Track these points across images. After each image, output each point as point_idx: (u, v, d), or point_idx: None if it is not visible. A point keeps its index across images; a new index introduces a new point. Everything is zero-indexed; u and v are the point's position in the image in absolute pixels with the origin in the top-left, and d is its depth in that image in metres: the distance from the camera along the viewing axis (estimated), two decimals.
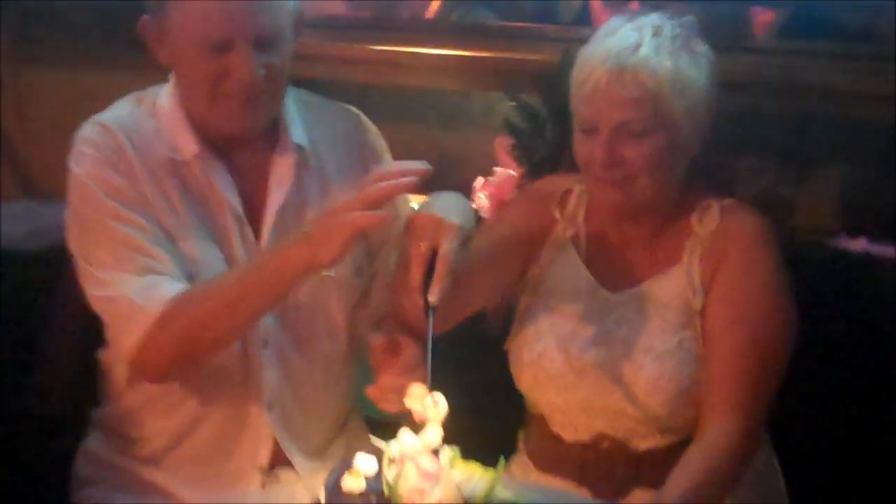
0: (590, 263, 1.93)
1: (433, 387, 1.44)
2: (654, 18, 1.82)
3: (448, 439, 1.82)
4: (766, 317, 1.80)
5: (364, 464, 1.34)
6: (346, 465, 1.37)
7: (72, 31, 2.90)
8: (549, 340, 1.89)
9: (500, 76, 2.45)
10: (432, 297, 1.55)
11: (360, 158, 2.05)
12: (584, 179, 1.90)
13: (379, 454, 1.37)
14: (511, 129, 2.30)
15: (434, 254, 1.59)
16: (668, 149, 1.79)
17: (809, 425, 2.13)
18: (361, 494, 1.32)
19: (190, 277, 1.87)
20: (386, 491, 1.30)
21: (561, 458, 1.93)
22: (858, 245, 2.16)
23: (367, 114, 2.12)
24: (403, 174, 1.64)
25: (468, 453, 1.61)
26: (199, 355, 1.85)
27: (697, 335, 1.82)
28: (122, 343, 1.84)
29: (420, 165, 1.64)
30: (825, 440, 2.15)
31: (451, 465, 1.34)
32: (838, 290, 2.14)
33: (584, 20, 2.61)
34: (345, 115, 2.11)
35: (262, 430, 1.93)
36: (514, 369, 1.95)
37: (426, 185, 2.24)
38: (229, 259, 1.93)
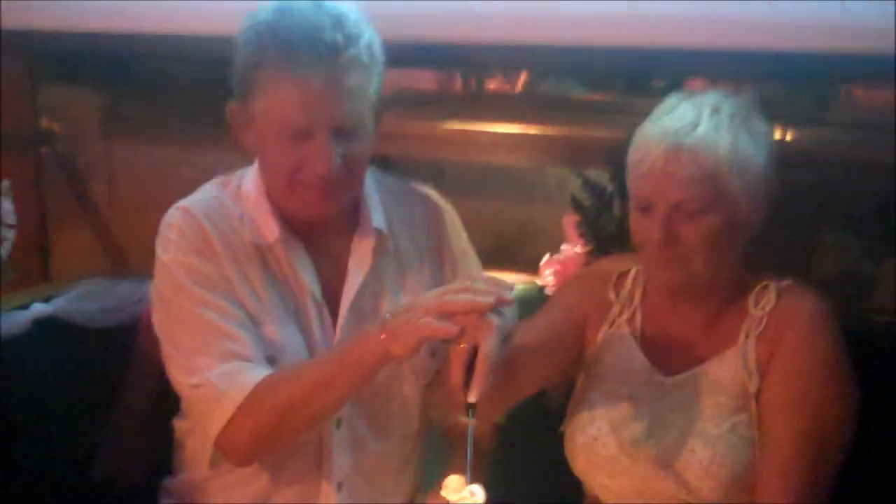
0: (645, 347, 1.93)
1: (473, 479, 1.45)
2: (712, 97, 1.82)
3: None
4: (824, 401, 1.77)
5: None
6: None
7: (161, 108, 2.99)
8: (603, 424, 1.89)
9: (570, 152, 2.47)
10: (471, 398, 1.56)
11: (436, 241, 2.10)
12: (641, 259, 1.90)
13: None
14: (577, 206, 2.30)
15: (475, 352, 1.59)
16: (725, 228, 1.78)
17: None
18: None
19: (272, 361, 1.90)
20: None
21: None
22: None
23: (440, 188, 2.17)
24: (487, 293, 1.64)
25: None
26: (282, 440, 1.89)
27: (752, 419, 1.80)
28: (207, 428, 1.87)
29: (507, 294, 1.64)
30: None
31: None
32: None
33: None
34: (422, 198, 2.14)
35: None
36: (569, 452, 1.95)
37: (495, 262, 2.32)
38: (309, 342, 1.96)
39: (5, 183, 2.28)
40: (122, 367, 2.28)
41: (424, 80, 2.86)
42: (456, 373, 1.59)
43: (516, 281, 2.37)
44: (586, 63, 2.46)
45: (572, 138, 2.46)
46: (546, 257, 2.33)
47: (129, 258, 2.94)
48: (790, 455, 1.75)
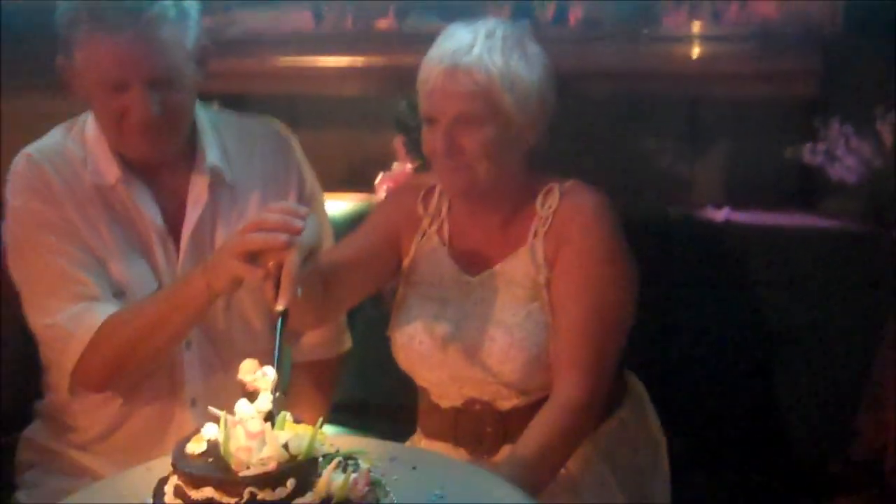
0: (452, 253, 2.07)
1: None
2: (489, 23, 1.96)
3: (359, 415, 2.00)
4: (606, 286, 1.94)
5: (207, 430, 1.51)
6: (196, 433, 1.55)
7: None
8: (418, 324, 2.05)
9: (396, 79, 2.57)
10: (279, 307, 1.68)
11: (275, 168, 2.20)
12: (433, 169, 2.03)
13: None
14: (403, 127, 2.44)
15: (281, 268, 1.71)
16: (501, 137, 1.92)
17: (687, 377, 2.33)
18: (202, 455, 1.46)
19: (121, 295, 2.03)
20: (221, 451, 1.48)
21: (440, 424, 2.09)
22: (721, 214, 2.31)
23: (286, 121, 2.27)
24: (278, 224, 1.74)
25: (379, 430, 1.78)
26: (130, 370, 2.02)
27: (545, 306, 1.96)
28: (62, 363, 2.01)
29: (297, 222, 1.74)
30: (701, 390, 2.32)
31: (282, 427, 1.51)
32: (699, 252, 2.32)
33: None
34: (262, 130, 2.24)
35: (186, 424, 2.07)
36: (393, 351, 2.11)
37: (336, 184, 2.47)
38: (157, 275, 2.08)
39: None
40: None
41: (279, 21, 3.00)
42: (266, 288, 1.72)
43: (357, 199, 2.56)
44: None
45: (397, 66, 2.57)
46: (380, 176, 2.49)
47: None
48: (579, 333, 1.92)
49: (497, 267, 2.03)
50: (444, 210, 2.11)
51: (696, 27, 2.62)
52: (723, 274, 2.30)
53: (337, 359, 2.34)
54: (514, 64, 1.91)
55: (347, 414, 2.42)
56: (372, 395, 2.48)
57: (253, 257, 1.75)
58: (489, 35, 1.92)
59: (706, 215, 2.33)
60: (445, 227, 2.10)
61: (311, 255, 1.77)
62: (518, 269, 2.00)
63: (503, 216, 2.04)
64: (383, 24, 2.90)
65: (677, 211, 2.38)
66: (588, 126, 2.53)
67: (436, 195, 2.12)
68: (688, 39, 2.60)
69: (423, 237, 2.11)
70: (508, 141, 1.94)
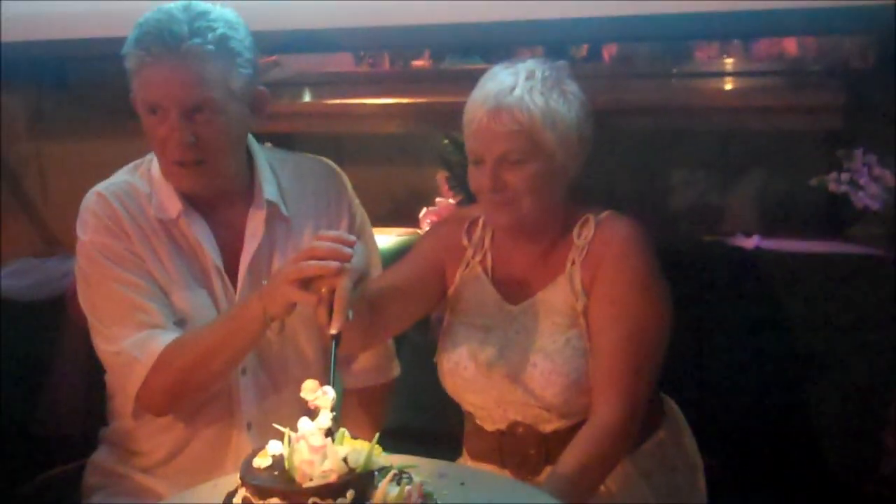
0: (495, 282, 2.16)
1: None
2: (528, 64, 2.05)
3: (407, 438, 2.11)
4: (641, 312, 2.01)
5: (272, 446, 1.62)
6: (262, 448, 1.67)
7: (84, 107, 3.22)
8: (463, 350, 2.13)
9: (438, 117, 2.70)
10: (332, 330, 1.78)
11: (327, 203, 2.29)
12: (479, 206, 2.13)
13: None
14: (445, 163, 2.54)
15: (333, 294, 1.80)
16: (544, 173, 2.01)
17: (721, 399, 2.41)
18: (268, 468, 1.56)
19: (182, 324, 2.12)
20: (286, 464, 1.60)
21: (485, 446, 2.17)
22: (752, 242, 2.41)
23: (336, 160, 2.37)
24: (330, 253, 1.84)
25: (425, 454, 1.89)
26: (191, 393, 2.12)
27: (583, 332, 2.04)
28: (126, 388, 2.11)
29: (346, 250, 1.84)
30: (734, 412, 2.41)
31: (340, 442, 1.60)
32: (734, 279, 2.41)
33: None
34: (315, 167, 2.33)
35: (243, 446, 2.14)
36: (440, 377, 2.19)
37: (381, 219, 2.60)
38: (216, 305, 2.17)
39: None
40: (52, 334, 2.50)
41: (322, 63, 3.18)
42: (320, 312, 1.82)
43: (401, 233, 2.68)
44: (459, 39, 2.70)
45: (440, 104, 2.70)
46: (423, 210, 2.62)
47: (63, 242, 3.12)
48: (615, 358, 2.00)
49: (537, 296, 2.11)
50: (487, 241, 2.19)
51: (727, 63, 2.75)
52: (753, 299, 2.37)
53: (386, 385, 2.41)
54: (554, 103, 2.00)
55: (397, 438, 2.52)
56: (418, 420, 2.56)
57: (306, 284, 1.85)
58: (529, 76, 2.02)
59: (737, 243, 2.42)
60: (488, 257, 2.19)
61: (360, 280, 1.86)
62: (557, 298, 2.08)
63: (543, 246, 2.13)
64: (419, 64, 3.07)
65: (710, 239, 2.46)
66: (624, 159, 2.65)
67: (479, 227, 2.21)
68: (719, 75, 2.73)
69: (466, 267, 2.19)
70: (550, 176, 2.03)
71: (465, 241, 2.21)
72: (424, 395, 2.34)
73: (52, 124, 3.33)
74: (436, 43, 2.87)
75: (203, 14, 2.07)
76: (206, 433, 2.22)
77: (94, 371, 2.24)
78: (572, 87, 2.06)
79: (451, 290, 2.21)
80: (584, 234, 2.09)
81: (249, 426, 2.21)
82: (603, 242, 2.07)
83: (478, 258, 2.20)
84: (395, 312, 2.15)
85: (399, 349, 2.44)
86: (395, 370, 2.43)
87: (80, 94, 3.21)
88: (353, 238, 1.89)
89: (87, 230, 2.17)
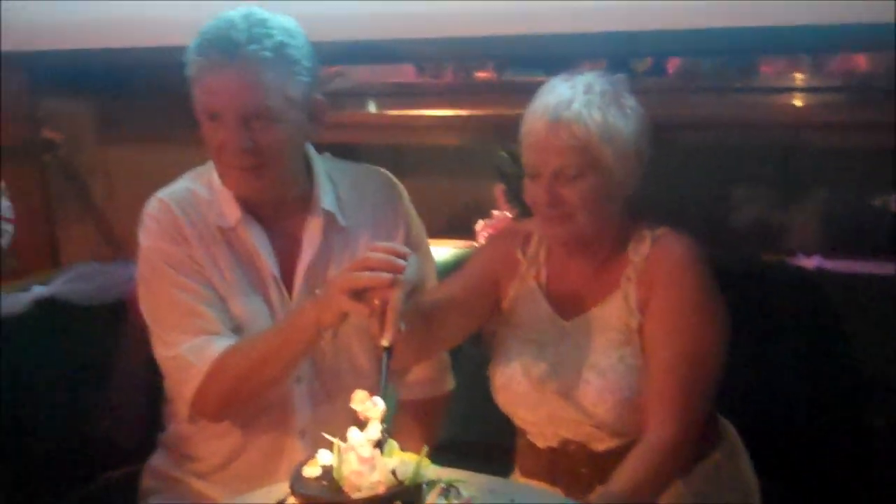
0: (549, 297, 2.15)
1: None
2: (587, 77, 2.04)
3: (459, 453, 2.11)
4: (696, 331, 1.99)
5: (321, 456, 1.63)
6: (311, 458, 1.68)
7: (149, 114, 3.26)
8: (516, 366, 2.12)
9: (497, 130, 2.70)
10: (384, 342, 1.78)
11: (384, 213, 2.30)
12: (535, 218, 2.12)
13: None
14: (503, 176, 2.56)
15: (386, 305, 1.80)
16: (600, 189, 2.00)
17: (778, 421, 2.37)
18: (317, 479, 1.58)
19: (239, 331, 2.15)
20: (335, 474, 1.61)
21: (537, 464, 2.16)
22: (812, 262, 2.37)
23: (397, 171, 2.39)
24: (383, 264, 1.85)
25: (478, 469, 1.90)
26: (245, 399, 2.14)
27: (637, 350, 2.02)
28: (182, 393, 2.14)
29: (399, 262, 1.84)
30: (794, 435, 2.37)
31: (389, 454, 1.59)
32: (794, 299, 2.38)
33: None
34: (373, 178, 2.35)
35: (296, 454, 2.15)
36: (493, 391, 2.18)
37: (439, 230, 2.61)
38: (272, 312, 2.19)
39: (3, 183, 2.56)
40: (115, 338, 2.54)
41: (385, 74, 3.20)
42: (372, 324, 1.82)
43: (458, 245, 2.68)
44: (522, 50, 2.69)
45: (500, 117, 2.69)
46: (480, 223, 2.62)
47: (127, 247, 3.20)
48: (669, 376, 1.97)
49: (591, 311, 2.10)
50: (542, 255, 2.19)
51: (791, 78, 2.72)
52: (814, 320, 2.33)
53: (441, 398, 2.42)
54: (612, 117, 1.99)
55: (449, 452, 2.52)
56: (472, 434, 2.55)
57: (359, 294, 1.85)
58: (588, 90, 2.01)
59: (798, 263, 2.38)
60: (543, 272, 2.18)
61: (413, 292, 1.86)
62: (611, 314, 2.07)
63: (598, 261, 2.11)
64: (483, 76, 3.07)
65: (770, 258, 2.43)
66: (686, 174, 2.64)
67: (534, 241, 2.20)
68: (782, 90, 2.70)
69: (521, 281, 2.19)
70: (606, 191, 2.02)
71: (519, 256, 2.21)
72: (479, 408, 2.33)
73: (118, 131, 3.40)
74: (498, 55, 2.86)
75: (262, 21, 2.09)
76: (261, 440, 2.25)
77: (153, 375, 2.27)
78: (630, 101, 2.05)
79: (505, 304, 2.20)
80: (641, 250, 2.08)
81: (303, 434, 2.22)
82: (659, 259, 2.05)
83: (532, 272, 2.19)
84: (449, 325, 2.15)
85: (454, 362, 2.44)
86: (450, 383, 2.44)
87: (146, 101, 3.25)
88: (406, 250, 1.90)
89: (148, 236, 2.20)
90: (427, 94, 3.13)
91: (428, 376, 2.38)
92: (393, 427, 2.32)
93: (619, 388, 2.03)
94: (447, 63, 3.02)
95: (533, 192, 2.05)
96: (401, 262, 1.85)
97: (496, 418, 2.25)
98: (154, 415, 2.40)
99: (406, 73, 3.24)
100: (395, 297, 1.81)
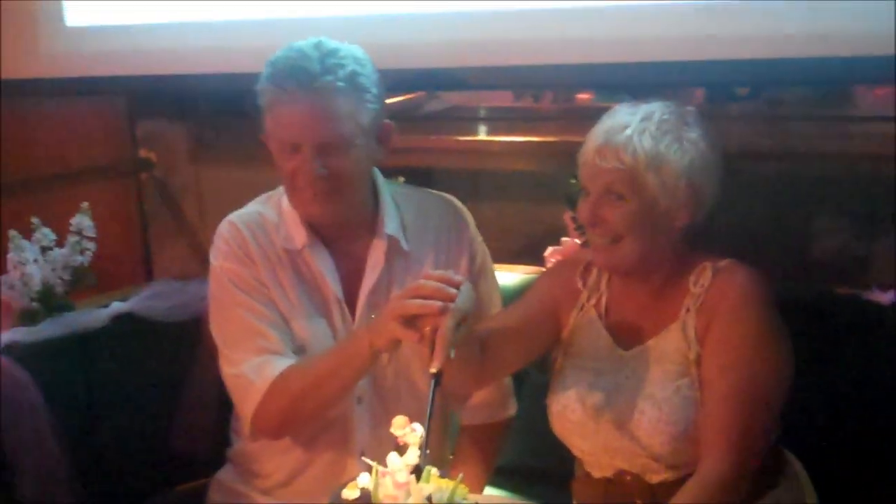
0: (608, 326, 2.13)
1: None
2: (652, 106, 2.02)
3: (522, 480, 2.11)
4: (755, 365, 1.95)
5: (361, 479, 1.67)
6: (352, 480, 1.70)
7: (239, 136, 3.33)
8: (572, 393, 2.10)
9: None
10: (433, 369, 1.81)
11: (448, 240, 2.33)
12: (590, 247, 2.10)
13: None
14: (570, 203, 2.50)
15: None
16: (645, 215, 1.98)
17: (852, 462, 2.29)
18: (355, 501, 1.62)
19: (301, 351, 2.20)
20: (372, 499, 1.64)
21: (593, 494, 2.14)
22: (888, 297, 2.28)
23: (461, 195, 2.42)
24: (434, 292, 1.90)
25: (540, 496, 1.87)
26: (302, 418, 2.19)
27: (694, 382, 1.99)
28: (243, 410, 2.20)
29: (450, 290, 1.88)
30: (865, 474, 2.29)
31: (427, 480, 1.62)
32: (867, 335, 2.31)
33: None
34: (438, 204, 2.38)
35: (355, 473, 2.05)
36: (550, 419, 2.17)
37: (509, 255, 2.63)
38: (334, 334, 2.24)
39: (84, 204, 2.68)
40: (190, 355, 2.61)
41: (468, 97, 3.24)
42: (422, 350, 1.85)
43: (527, 271, 2.69)
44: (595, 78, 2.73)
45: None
46: (549, 249, 2.62)
47: None
48: (726, 409, 1.93)
49: (649, 342, 2.07)
50: (603, 284, 2.17)
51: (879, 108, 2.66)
52: (887, 356, 2.26)
53: (502, 423, 2.42)
54: (665, 147, 1.98)
55: (511, 478, 2.53)
56: (536, 461, 2.53)
57: (411, 321, 1.89)
58: (646, 118, 2.00)
59: (872, 297, 2.32)
60: (603, 300, 2.17)
61: (464, 320, 1.88)
62: (669, 345, 2.04)
63: (656, 292, 2.09)
64: (583, 99, 3.05)
65: (844, 292, 2.36)
66: (764, 204, 2.62)
67: (595, 270, 2.19)
68: (872, 119, 2.64)
69: (581, 310, 2.17)
70: (653, 219, 2.00)
71: (579, 284, 2.20)
72: (544, 435, 2.29)
73: (211, 152, 3.51)
74: (593, 83, 2.88)
75: (333, 52, 2.14)
76: (323, 459, 2.29)
77: (223, 392, 2.32)
78: (693, 133, 2.02)
79: (565, 333, 2.19)
80: (701, 282, 2.05)
81: (363, 454, 2.22)
82: (720, 291, 2.02)
83: (592, 301, 2.18)
84: (508, 353, 2.16)
85: (521, 388, 2.44)
86: (512, 408, 2.44)
87: (238, 124, 3.34)
88: (460, 279, 1.92)
89: (218, 256, 2.27)
90: (515, 119, 3.14)
91: (490, 400, 2.39)
92: (453, 450, 2.37)
93: (675, 420, 2.00)
94: (544, 90, 3.05)
95: (581, 210, 2.08)
96: (452, 290, 1.88)
97: (560, 446, 2.23)
98: (224, 431, 2.46)
99: (502, 98, 3.25)
100: (446, 324, 1.83)
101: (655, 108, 2.03)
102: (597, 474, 2.14)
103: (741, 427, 1.94)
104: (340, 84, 2.11)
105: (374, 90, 2.17)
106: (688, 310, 2.04)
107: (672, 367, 2.03)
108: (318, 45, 2.16)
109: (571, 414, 2.11)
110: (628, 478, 2.09)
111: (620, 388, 2.07)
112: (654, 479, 2.07)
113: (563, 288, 2.21)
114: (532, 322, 2.18)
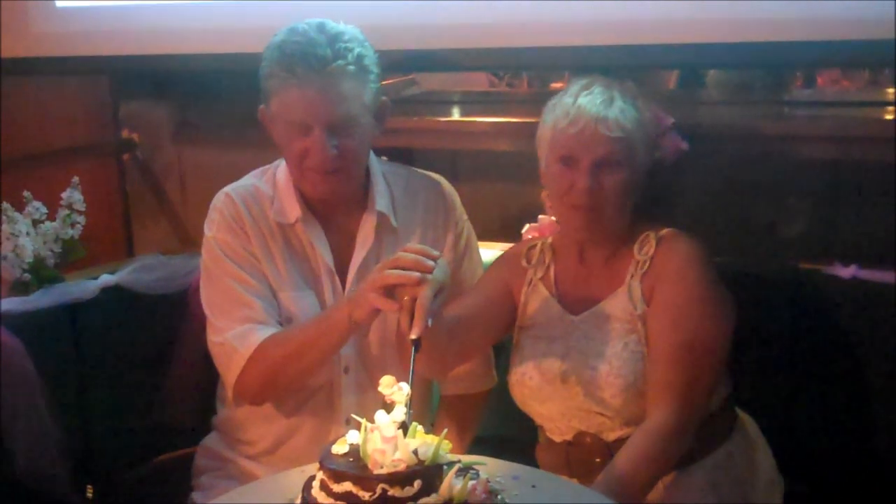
0: (559, 296, 2.34)
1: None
2: (607, 80, 2.24)
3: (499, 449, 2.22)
4: (698, 322, 2.16)
5: (351, 435, 1.77)
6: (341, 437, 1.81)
7: (221, 116, 3.51)
8: (529, 363, 2.32)
9: None
10: (413, 335, 1.97)
11: (435, 218, 2.50)
12: (557, 208, 2.30)
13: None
14: None
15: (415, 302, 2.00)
16: (630, 182, 2.21)
17: (814, 429, 2.45)
18: (344, 455, 1.72)
19: (288, 322, 2.36)
20: (360, 452, 1.73)
21: (555, 458, 2.34)
22: (848, 272, 2.44)
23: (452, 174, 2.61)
24: (413, 264, 2.02)
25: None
26: (283, 385, 2.35)
27: (641, 338, 2.20)
28: (226, 377, 2.38)
29: (428, 262, 2.02)
30: (828, 441, 2.45)
31: (412, 435, 1.73)
32: (828, 307, 2.46)
33: None
34: (426, 182, 2.54)
35: None
36: (510, 389, 2.38)
37: (487, 232, 2.72)
38: (323, 307, 2.38)
39: (75, 178, 2.76)
40: (174, 327, 2.75)
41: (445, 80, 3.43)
42: (402, 319, 2.03)
43: (504, 248, 2.80)
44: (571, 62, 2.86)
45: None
46: (526, 226, 2.72)
47: (195, 243, 3.40)
48: (671, 364, 2.14)
49: (598, 306, 2.28)
50: (548, 258, 2.38)
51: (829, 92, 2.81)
52: (848, 329, 2.42)
53: (481, 394, 2.58)
54: (642, 118, 2.22)
55: (489, 448, 2.62)
56: (509, 431, 2.66)
57: (390, 292, 2.04)
58: (622, 93, 2.21)
59: (833, 272, 2.45)
60: (551, 273, 2.37)
61: (441, 290, 2.05)
62: (617, 307, 2.26)
63: (602, 260, 2.30)
64: (558, 86, 3.18)
65: (806, 267, 2.52)
66: (730, 183, 2.79)
67: (537, 249, 2.41)
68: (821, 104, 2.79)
69: (530, 285, 2.38)
70: (633, 186, 2.23)
71: (524, 263, 2.41)
72: (508, 405, 2.45)
73: (193, 132, 3.61)
74: (572, 65, 2.98)
75: (339, 35, 2.29)
76: (308, 426, 2.44)
77: (209, 362, 2.44)
78: (643, 105, 2.26)
79: (519, 310, 2.39)
80: (646, 249, 2.26)
81: (348, 421, 2.37)
82: (664, 256, 2.23)
83: (539, 275, 2.38)
84: (472, 337, 2.36)
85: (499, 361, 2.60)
86: (492, 381, 2.60)
87: (221, 105, 3.45)
88: (436, 252, 2.10)
89: (212, 227, 2.42)
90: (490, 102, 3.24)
91: (471, 373, 2.55)
92: (434, 420, 2.46)
93: (624, 373, 2.20)
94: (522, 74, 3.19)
95: (564, 179, 2.23)
96: (429, 262, 2.06)
97: (522, 415, 2.40)
98: (210, 399, 2.61)
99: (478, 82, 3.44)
100: (424, 294, 2.00)
101: (614, 83, 2.25)
102: (557, 439, 2.35)
103: (686, 380, 2.14)
104: (351, 67, 2.28)
105: (376, 70, 2.37)
106: (633, 276, 2.26)
107: (620, 326, 2.25)
108: (322, 29, 2.31)
109: (529, 381, 2.32)
110: (587, 439, 2.30)
111: (572, 350, 2.29)
112: (611, 436, 2.27)
113: (511, 271, 2.43)
114: (490, 306, 2.38)
